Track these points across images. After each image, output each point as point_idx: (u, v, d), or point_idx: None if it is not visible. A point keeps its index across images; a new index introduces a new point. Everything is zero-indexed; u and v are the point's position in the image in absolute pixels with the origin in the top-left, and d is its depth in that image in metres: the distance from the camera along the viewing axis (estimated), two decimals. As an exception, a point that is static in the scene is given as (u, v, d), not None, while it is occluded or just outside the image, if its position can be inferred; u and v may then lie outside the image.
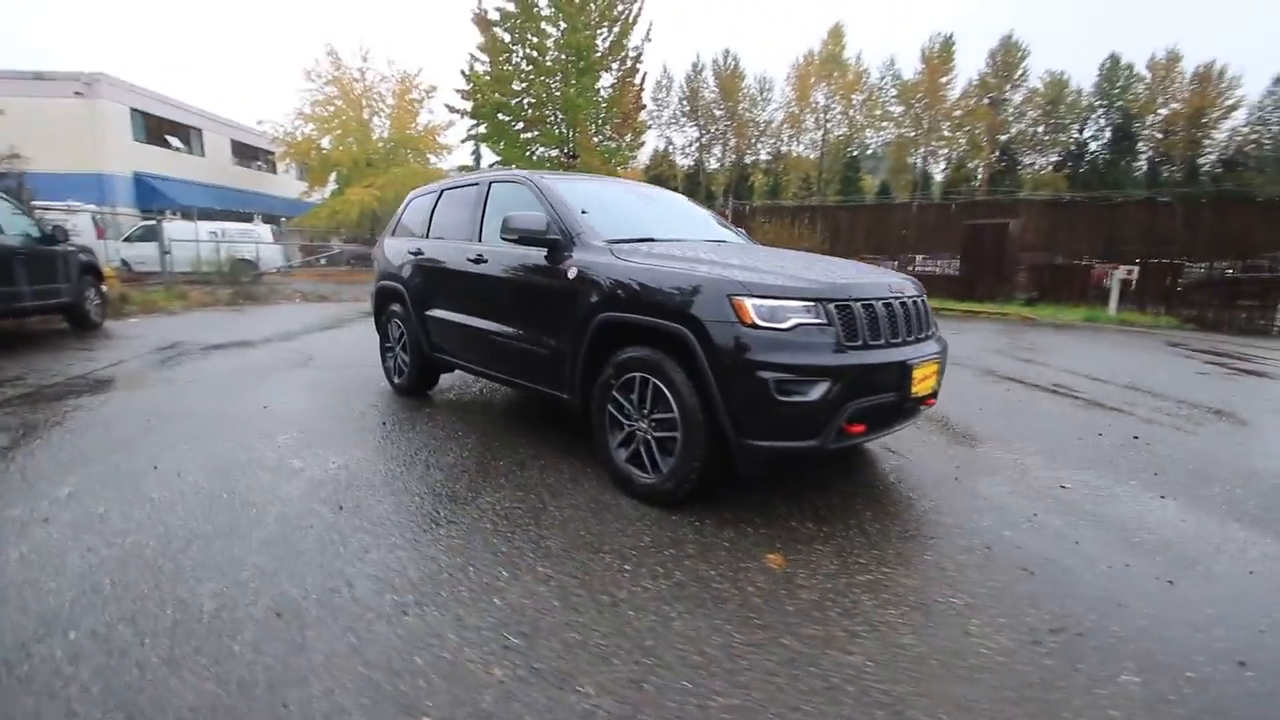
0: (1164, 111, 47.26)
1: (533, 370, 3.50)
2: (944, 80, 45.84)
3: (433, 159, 23.82)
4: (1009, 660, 1.83)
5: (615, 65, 18.07)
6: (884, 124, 48.16)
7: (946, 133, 47.64)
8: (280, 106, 47.67)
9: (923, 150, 48.78)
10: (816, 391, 2.46)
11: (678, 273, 2.73)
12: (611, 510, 2.79)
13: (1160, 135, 47.49)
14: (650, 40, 17.85)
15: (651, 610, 2.03)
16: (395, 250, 4.86)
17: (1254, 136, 46.02)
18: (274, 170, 28.09)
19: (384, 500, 2.84)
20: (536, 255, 3.39)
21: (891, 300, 2.77)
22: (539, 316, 3.40)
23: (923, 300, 3.05)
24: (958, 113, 46.65)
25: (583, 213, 3.41)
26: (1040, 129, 47.27)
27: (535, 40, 17.07)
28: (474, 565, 2.28)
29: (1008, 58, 46.19)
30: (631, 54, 18.00)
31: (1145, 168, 47.56)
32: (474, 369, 4.14)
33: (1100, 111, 47.97)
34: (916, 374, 2.73)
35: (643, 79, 18.16)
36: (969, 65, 58.62)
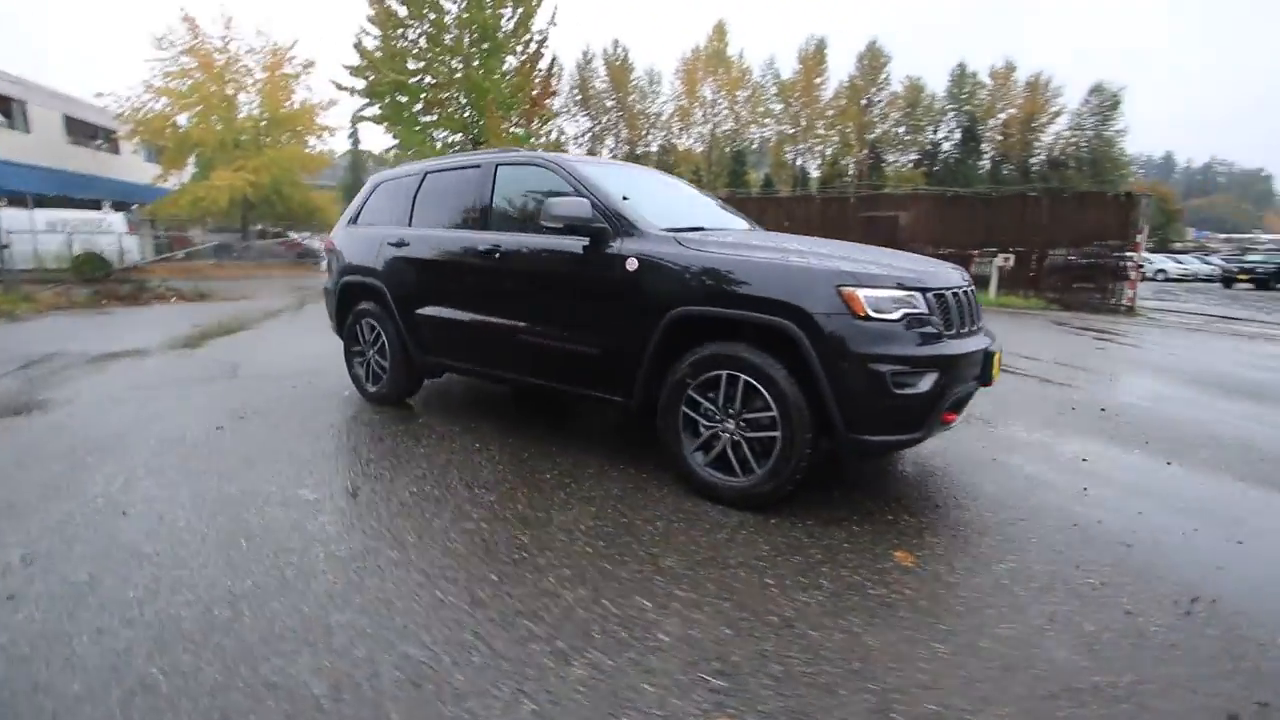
0: (1003, 116, 53.36)
1: (575, 372, 3.20)
2: (818, 81, 48.78)
3: (313, 141, 21.69)
4: (1184, 636, 1.87)
5: (519, 48, 17.36)
6: (766, 120, 50.42)
7: (821, 131, 50.75)
8: (125, 78, 41.08)
9: (800, 147, 51.67)
10: (927, 382, 2.42)
11: (774, 263, 2.57)
12: (704, 518, 2.60)
13: (1000, 137, 53.59)
14: (555, 24, 17.31)
15: (831, 627, 1.88)
16: (364, 241, 4.28)
17: (1074, 139, 53.23)
18: (117, 151, 24.10)
19: (446, 529, 2.46)
20: (573, 245, 3.09)
21: (958, 290, 2.79)
22: (584, 313, 3.10)
23: (974, 289, 3.11)
24: (831, 112, 49.83)
25: (624, 199, 3.15)
26: (902, 129, 51.57)
27: (433, 16, 15.97)
28: (605, 597, 2.01)
29: (873, 62, 49.94)
30: (536, 37, 17.38)
31: (989, 166, 53.49)
32: (482, 372, 3.73)
33: (951, 114, 53.24)
34: (995, 360, 2.78)
35: (551, 65, 17.59)
36: (840, 68, 62.81)
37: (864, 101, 49.58)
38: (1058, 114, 52.12)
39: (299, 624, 1.83)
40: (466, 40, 16.22)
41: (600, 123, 48.47)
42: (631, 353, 2.91)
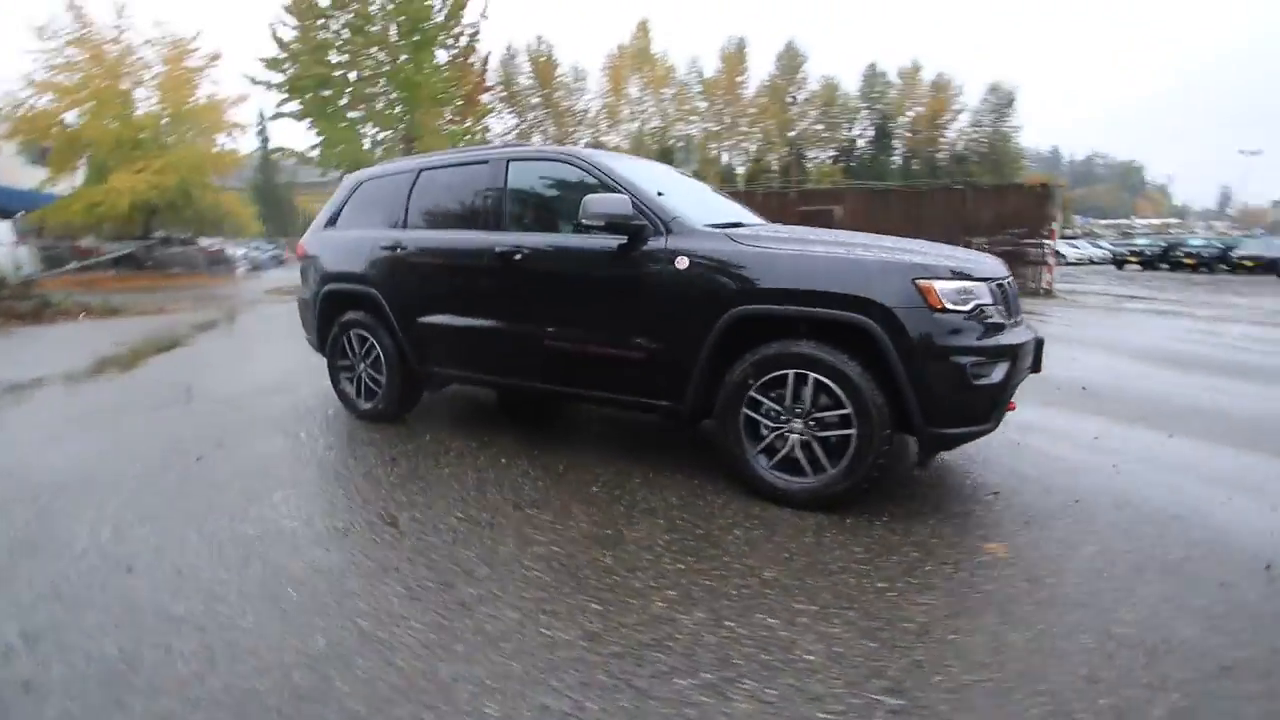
0: (911, 114, 56.38)
1: (615, 378, 3.03)
2: (740, 79, 49.87)
3: (222, 139, 20.06)
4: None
5: (450, 41, 16.70)
6: (692, 118, 51.04)
7: (745, 128, 51.91)
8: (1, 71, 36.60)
9: (726, 144, 52.69)
10: (1000, 372, 2.43)
11: (844, 258, 2.51)
12: (780, 523, 2.51)
13: (909, 134, 56.58)
14: (486, 18, 16.77)
15: (969, 629, 1.82)
16: (349, 246, 3.93)
17: (975, 136, 56.89)
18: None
19: (516, 556, 2.25)
20: (608, 244, 2.93)
21: (1005, 280, 2.83)
22: (626, 316, 2.93)
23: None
24: (753, 110, 51.05)
25: (659, 194, 3.01)
26: (820, 127, 53.51)
27: (357, 5, 15.11)
28: (726, 619, 1.88)
29: (791, 62, 51.55)
30: (468, 30, 16.78)
31: (900, 162, 56.40)
32: (498, 382, 3.50)
33: (865, 113, 55.77)
34: (1042, 348, 2.83)
35: (485, 60, 17.03)
36: (760, 68, 64.50)
37: (788, 99, 51.10)
38: (960, 112, 55.49)
39: (404, 683, 1.60)
40: (394, 32, 15.43)
41: (526, 119, 47.56)
42: (683, 355, 2.78)
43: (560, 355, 3.14)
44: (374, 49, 15.35)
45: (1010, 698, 1.55)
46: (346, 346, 3.98)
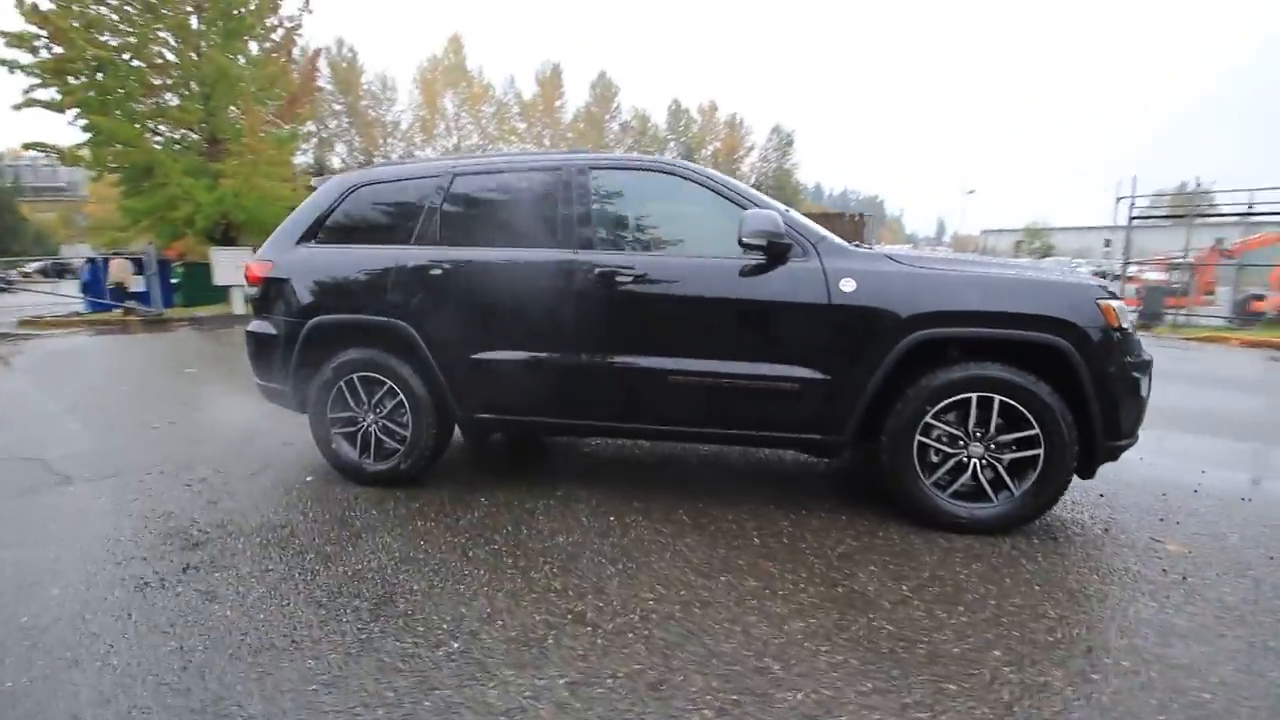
0: (711, 149, 61.86)
1: (757, 414, 2.72)
2: (558, 104, 50.54)
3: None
4: None
5: (262, 33, 14.47)
6: (512, 138, 50.37)
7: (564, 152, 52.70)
8: None
9: (546, 165, 52.95)
10: (1148, 384, 2.62)
11: (1032, 279, 2.57)
12: (973, 554, 2.41)
13: (712, 166, 61.91)
14: (310, 11, 14.78)
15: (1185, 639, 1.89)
16: (351, 265, 3.10)
17: (764, 170, 64.00)
18: None
19: (800, 640, 1.86)
20: (742, 265, 2.65)
21: None
22: (779, 343, 2.66)
23: None
24: (571, 135, 51.99)
25: (788, 210, 2.80)
26: (635, 155, 56.21)
27: (143, -22, 12.40)
28: (1056, 680, 1.72)
29: (605, 91, 53.57)
30: (287, 23, 14.67)
31: (705, 191, 61.29)
32: (588, 426, 2.98)
33: (671, 144, 59.90)
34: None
35: (315, 58, 14.99)
36: (576, 95, 66.03)
37: (621, 126, 52.96)
38: (751, 149, 62.25)
39: None
40: (195, 20, 12.92)
41: (328, 127, 43.04)
42: (848, 384, 2.58)
43: (685, 393, 2.74)
44: (166, 33, 12.68)
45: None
46: (344, 395, 3.10)
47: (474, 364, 2.93)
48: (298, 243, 3.22)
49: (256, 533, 2.60)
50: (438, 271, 2.94)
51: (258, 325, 3.29)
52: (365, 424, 3.10)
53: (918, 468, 2.58)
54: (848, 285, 2.57)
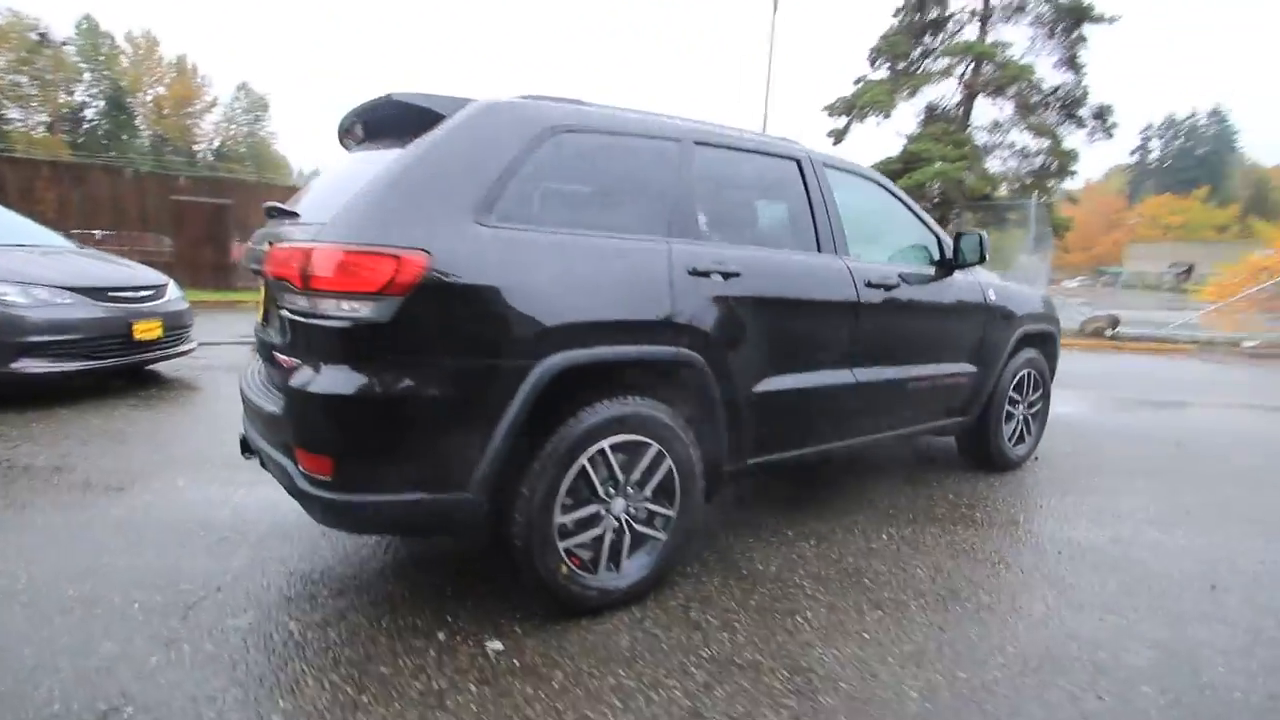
0: (153, 93, 47.89)
1: (940, 407, 3.11)
2: None
3: None
4: None
5: None
6: None
7: None
8: None
9: None
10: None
11: (1031, 291, 3.69)
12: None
13: (155, 115, 48.03)
14: None
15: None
16: (590, 263, 1.93)
17: (232, 131, 53.56)
18: None
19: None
20: (930, 273, 2.99)
21: None
22: (963, 345, 3.13)
23: None
24: None
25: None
26: (24, 80, 38.61)
27: None
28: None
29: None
30: None
31: (148, 143, 47.40)
32: (829, 450, 2.69)
33: (90, 78, 43.57)
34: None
35: None
36: None
37: None
38: (213, 104, 51.07)
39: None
40: None
41: None
42: (989, 374, 3.27)
43: (915, 396, 2.90)
44: None
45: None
46: (590, 478, 1.90)
47: (756, 398, 2.28)
48: (478, 219, 1.72)
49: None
50: (723, 278, 2.13)
51: (364, 379, 1.60)
52: (612, 514, 1.97)
53: (1003, 428, 3.48)
54: (991, 295, 3.22)
